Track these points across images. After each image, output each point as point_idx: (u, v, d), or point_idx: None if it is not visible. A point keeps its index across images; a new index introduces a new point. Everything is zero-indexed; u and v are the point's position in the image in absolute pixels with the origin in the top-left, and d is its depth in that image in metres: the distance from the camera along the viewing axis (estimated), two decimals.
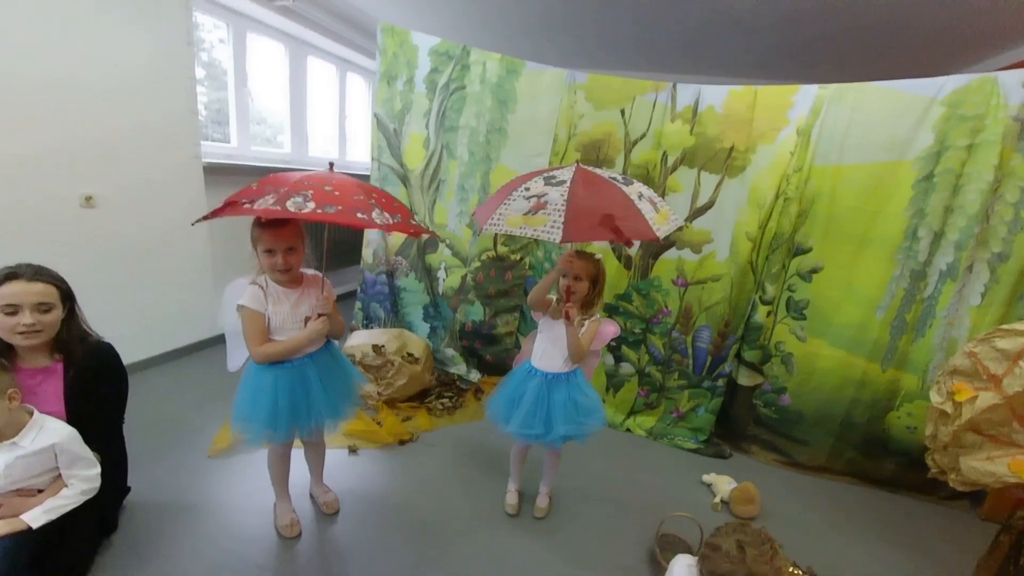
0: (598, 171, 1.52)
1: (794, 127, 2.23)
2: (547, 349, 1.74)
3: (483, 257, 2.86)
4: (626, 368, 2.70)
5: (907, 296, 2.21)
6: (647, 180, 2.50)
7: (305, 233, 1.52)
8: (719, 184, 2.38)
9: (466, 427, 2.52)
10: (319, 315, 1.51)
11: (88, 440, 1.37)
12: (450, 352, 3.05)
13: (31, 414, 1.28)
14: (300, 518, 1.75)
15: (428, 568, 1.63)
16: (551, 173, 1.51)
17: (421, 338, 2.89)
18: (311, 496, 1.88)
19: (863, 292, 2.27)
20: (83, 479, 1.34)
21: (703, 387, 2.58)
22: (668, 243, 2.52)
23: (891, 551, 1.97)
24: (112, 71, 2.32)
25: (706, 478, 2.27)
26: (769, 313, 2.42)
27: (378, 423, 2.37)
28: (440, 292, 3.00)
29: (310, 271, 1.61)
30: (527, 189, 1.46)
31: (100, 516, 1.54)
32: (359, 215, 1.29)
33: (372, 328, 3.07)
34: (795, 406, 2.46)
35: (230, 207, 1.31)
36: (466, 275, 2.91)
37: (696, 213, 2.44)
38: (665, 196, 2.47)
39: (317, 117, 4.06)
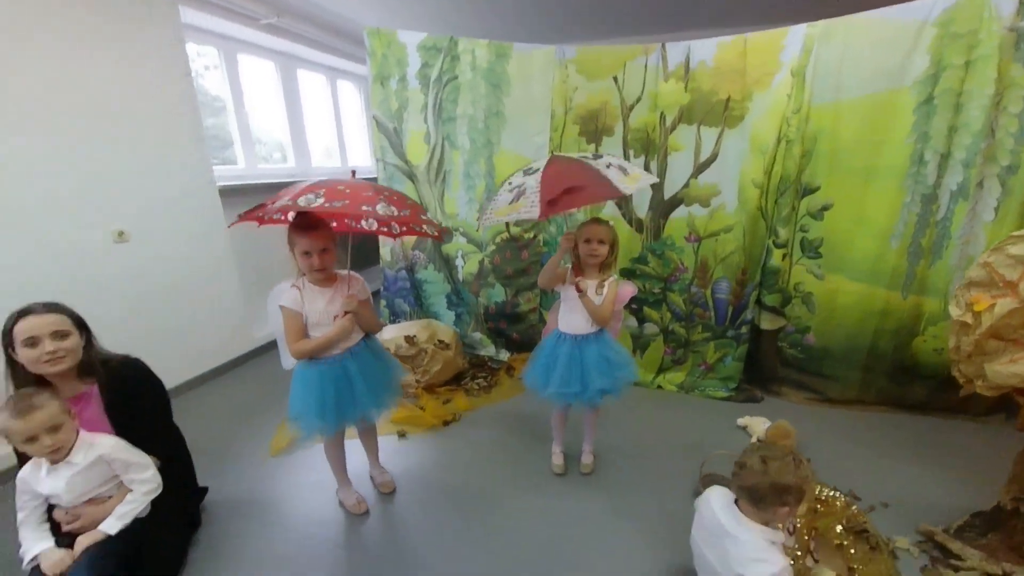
0: (570, 155, 1.70)
1: (787, 70, 2.25)
2: (572, 315, 1.82)
3: (497, 240, 2.94)
4: (650, 328, 2.77)
5: (920, 221, 2.24)
6: (647, 142, 2.55)
7: (336, 236, 1.62)
8: (719, 137, 2.42)
9: (503, 404, 2.62)
10: (345, 312, 1.61)
11: (145, 448, 1.48)
12: (477, 336, 3.15)
13: (78, 432, 1.37)
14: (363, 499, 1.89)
15: (485, 530, 1.75)
16: (529, 166, 1.68)
17: (448, 325, 2.99)
18: (371, 478, 2.01)
19: (875, 223, 2.29)
20: (142, 481, 1.45)
21: (727, 337, 2.64)
22: (676, 202, 2.56)
23: (932, 469, 2.03)
24: (122, 110, 2.42)
25: (741, 421, 2.34)
26: (784, 256, 2.46)
27: (420, 408, 2.48)
28: (460, 279, 3.10)
29: (343, 271, 1.71)
30: (509, 183, 1.64)
31: (186, 515, 1.68)
32: (364, 207, 1.41)
33: (399, 323, 3.18)
34: (820, 344, 2.51)
35: (259, 209, 1.43)
36: (483, 259, 3.00)
37: (700, 168, 2.48)
38: (668, 156, 2.51)
39: (314, 128, 4.15)
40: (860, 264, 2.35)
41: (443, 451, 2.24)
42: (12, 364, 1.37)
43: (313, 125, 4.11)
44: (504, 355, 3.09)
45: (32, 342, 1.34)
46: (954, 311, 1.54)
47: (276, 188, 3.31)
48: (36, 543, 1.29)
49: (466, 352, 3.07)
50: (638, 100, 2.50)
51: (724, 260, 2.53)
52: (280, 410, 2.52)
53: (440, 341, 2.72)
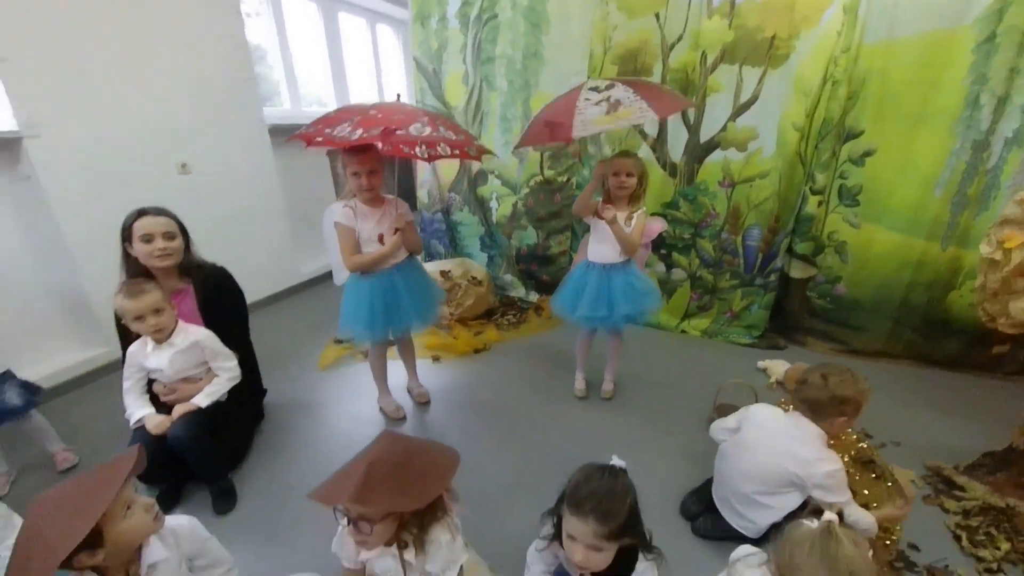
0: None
1: (839, 5, 2.15)
2: (601, 245, 1.91)
3: (531, 183, 3.01)
4: (677, 274, 2.83)
5: (968, 169, 2.17)
6: (686, 83, 2.51)
7: (383, 159, 1.74)
8: (762, 77, 2.36)
9: (531, 338, 2.77)
10: (395, 230, 1.75)
11: (226, 344, 1.70)
12: (508, 277, 3.28)
13: (177, 321, 1.61)
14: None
15: (510, 438, 1.94)
16: (593, 87, 1.66)
17: (480, 265, 3.13)
18: (408, 391, 2.22)
19: (920, 171, 2.24)
20: (226, 369, 1.69)
21: (755, 285, 2.67)
22: (711, 146, 2.55)
23: (951, 419, 2.05)
24: (180, 53, 2.58)
25: (761, 364, 2.41)
26: (820, 203, 2.43)
27: (453, 338, 2.66)
28: (494, 221, 3.20)
29: (390, 196, 1.84)
30: (587, 100, 1.63)
31: (253, 407, 1.94)
32: (398, 132, 1.52)
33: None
34: (850, 294, 2.51)
35: (317, 125, 1.62)
36: (516, 202, 3.08)
37: (739, 111, 2.44)
38: (706, 97, 2.48)
39: (354, 73, 4.22)
40: (899, 213, 2.31)
41: (473, 374, 2.42)
42: (126, 256, 1.62)
43: (353, 70, 4.18)
44: (533, 296, 3.22)
45: (148, 238, 1.58)
46: (984, 249, 1.54)
47: None
48: (139, 408, 1.55)
49: (497, 293, 3.21)
50: (679, 39, 2.46)
51: (757, 206, 2.53)
52: (326, 332, 2.77)
53: (473, 277, 2.86)
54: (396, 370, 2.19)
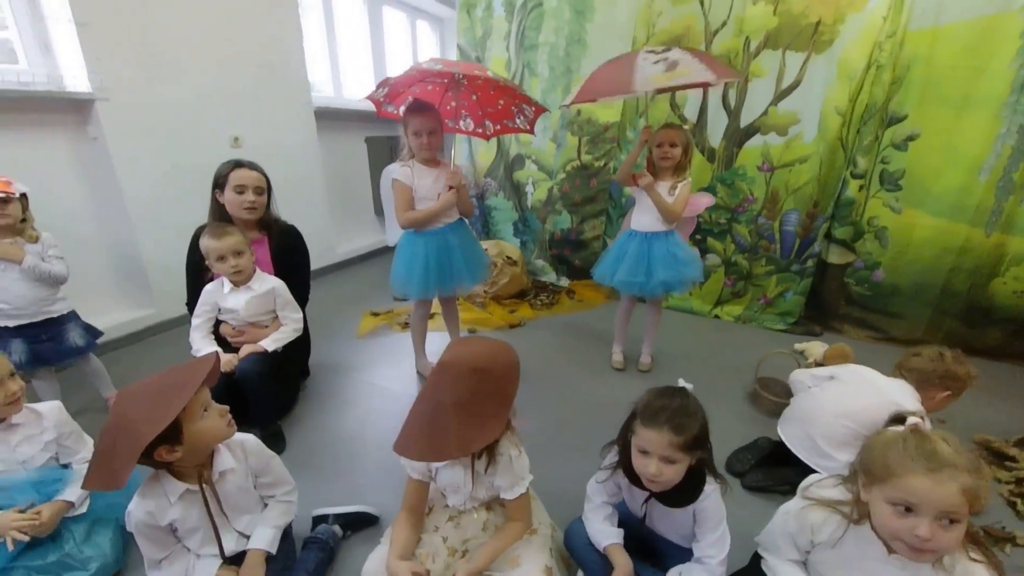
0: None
1: None
2: (643, 214, 1.95)
3: (568, 168, 3.06)
4: (712, 259, 2.84)
5: (1015, 154, 2.16)
6: None
7: (443, 123, 1.82)
8: (805, 62, 2.40)
9: (565, 317, 2.80)
10: (450, 187, 1.81)
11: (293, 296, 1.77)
12: (540, 263, 3.32)
13: (255, 268, 1.68)
14: None
15: (550, 403, 1.95)
16: (650, 51, 1.73)
17: (515, 246, 3.17)
18: None
19: (964, 155, 2.24)
20: (293, 320, 1.75)
21: (791, 271, 2.67)
22: (751, 130, 2.58)
23: (1004, 405, 2.02)
24: (243, 33, 2.71)
25: (798, 346, 2.39)
26: (861, 188, 2.44)
27: (489, 314, 2.70)
28: (529, 206, 3.25)
29: (445, 160, 1.90)
30: (645, 59, 1.69)
31: (302, 363, 2.01)
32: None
33: None
34: (889, 280, 2.50)
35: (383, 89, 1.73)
36: (552, 187, 3.13)
37: (781, 95, 2.47)
38: (748, 82, 2.52)
39: (393, 65, 4.34)
40: (942, 198, 2.31)
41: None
42: (214, 202, 1.72)
43: (393, 63, 4.31)
44: (564, 282, 3.25)
45: (240, 189, 1.68)
46: None
47: (360, 114, 3.56)
48: (206, 345, 1.61)
49: (528, 277, 3.24)
50: (723, 25, 2.51)
51: (796, 191, 2.54)
52: (362, 305, 2.83)
53: (508, 257, 2.90)
54: (431, 341, 2.22)
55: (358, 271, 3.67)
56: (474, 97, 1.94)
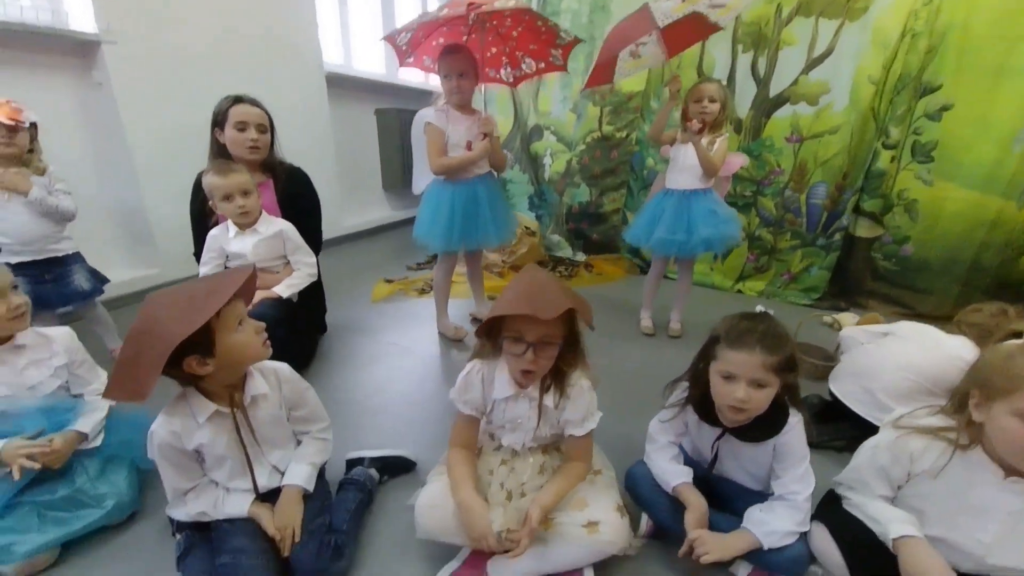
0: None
1: None
2: (680, 173, 1.88)
3: (588, 139, 2.98)
4: None
5: None
6: (758, 37, 2.50)
7: (475, 66, 1.72)
8: (838, 29, 2.35)
9: (585, 289, 2.72)
10: (483, 135, 1.73)
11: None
12: (555, 238, 3.24)
13: (261, 210, 1.58)
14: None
15: None
16: None
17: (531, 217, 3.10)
18: (470, 317, 2.17)
19: (999, 126, 2.20)
20: (306, 264, 1.66)
21: (816, 245, 2.61)
22: (781, 100, 2.52)
23: None
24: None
25: (827, 318, 2.34)
26: (892, 159, 2.40)
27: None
28: (546, 178, 3.17)
29: (480, 109, 1.82)
30: (657, 2, 1.65)
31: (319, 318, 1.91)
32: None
33: None
34: (918, 255, 2.46)
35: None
36: (571, 159, 3.05)
37: (812, 64, 2.42)
38: (778, 51, 2.47)
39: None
40: (975, 170, 2.27)
41: None
42: (214, 142, 1.60)
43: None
44: (581, 256, 3.17)
45: (242, 126, 1.57)
46: None
47: (371, 84, 3.46)
48: None
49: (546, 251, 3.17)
50: None
51: (825, 163, 2.49)
52: (374, 275, 2.73)
53: (527, 228, 2.82)
54: (452, 308, 2.14)
55: (366, 245, 3.57)
56: (512, 33, 1.86)
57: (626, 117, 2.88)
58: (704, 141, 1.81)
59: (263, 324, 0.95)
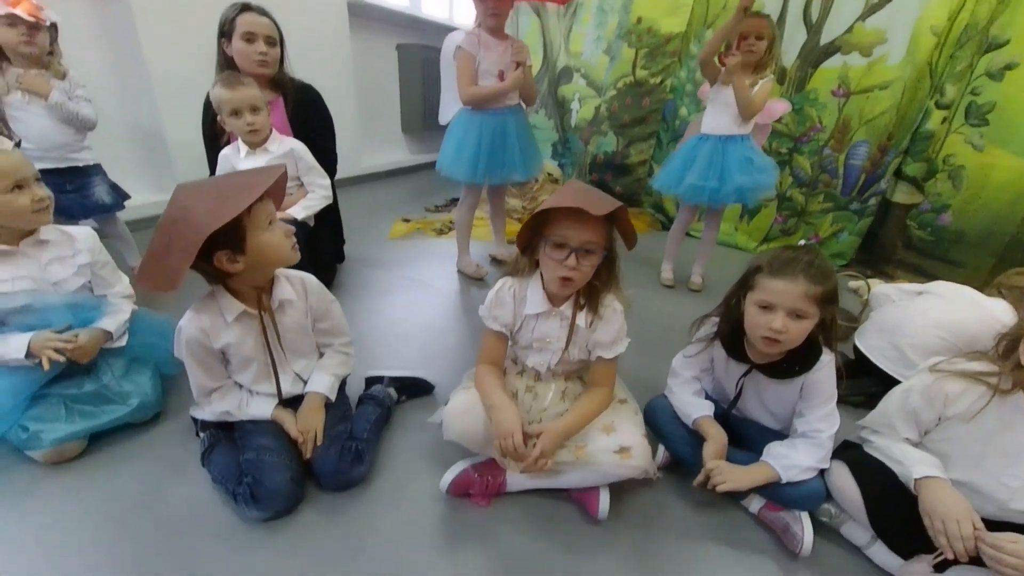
0: None
1: None
2: (718, 117, 1.79)
3: (619, 85, 2.84)
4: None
5: None
6: None
7: None
8: None
9: None
10: (516, 64, 1.64)
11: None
12: None
13: (271, 129, 1.52)
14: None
15: None
16: None
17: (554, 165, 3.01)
18: (490, 258, 2.15)
19: None
20: (320, 186, 1.62)
21: (850, 209, 2.52)
22: (831, 49, 2.36)
23: None
24: None
25: (852, 284, 2.28)
26: (944, 119, 2.26)
27: None
28: (572, 125, 3.06)
29: (513, 36, 1.72)
30: None
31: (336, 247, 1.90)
32: None
33: None
34: (956, 226, 2.36)
35: None
36: (600, 105, 2.93)
37: (872, 9, 2.24)
38: None
39: None
40: None
41: None
42: (221, 54, 1.52)
43: None
44: None
45: (250, 37, 1.48)
46: None
47: (394, 16, 3.27)
48: None
49: None
50: None
51: (870, 121, 2.35)
52: (392, 214, 2.69)
53: (549, 174, 2.75)
54: (472, 249, 2.11)
55: (383, 186, 3.51)
56: None
57: (662, 61, 2.72)
58: (746, 84, 1.71)
59: (292, 228, 0.94)
